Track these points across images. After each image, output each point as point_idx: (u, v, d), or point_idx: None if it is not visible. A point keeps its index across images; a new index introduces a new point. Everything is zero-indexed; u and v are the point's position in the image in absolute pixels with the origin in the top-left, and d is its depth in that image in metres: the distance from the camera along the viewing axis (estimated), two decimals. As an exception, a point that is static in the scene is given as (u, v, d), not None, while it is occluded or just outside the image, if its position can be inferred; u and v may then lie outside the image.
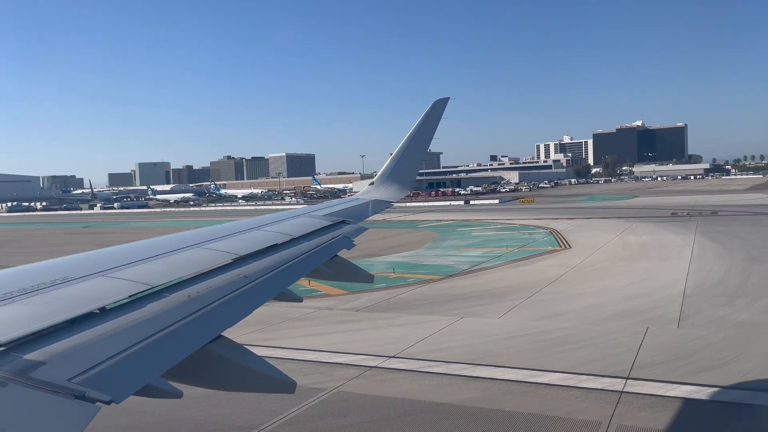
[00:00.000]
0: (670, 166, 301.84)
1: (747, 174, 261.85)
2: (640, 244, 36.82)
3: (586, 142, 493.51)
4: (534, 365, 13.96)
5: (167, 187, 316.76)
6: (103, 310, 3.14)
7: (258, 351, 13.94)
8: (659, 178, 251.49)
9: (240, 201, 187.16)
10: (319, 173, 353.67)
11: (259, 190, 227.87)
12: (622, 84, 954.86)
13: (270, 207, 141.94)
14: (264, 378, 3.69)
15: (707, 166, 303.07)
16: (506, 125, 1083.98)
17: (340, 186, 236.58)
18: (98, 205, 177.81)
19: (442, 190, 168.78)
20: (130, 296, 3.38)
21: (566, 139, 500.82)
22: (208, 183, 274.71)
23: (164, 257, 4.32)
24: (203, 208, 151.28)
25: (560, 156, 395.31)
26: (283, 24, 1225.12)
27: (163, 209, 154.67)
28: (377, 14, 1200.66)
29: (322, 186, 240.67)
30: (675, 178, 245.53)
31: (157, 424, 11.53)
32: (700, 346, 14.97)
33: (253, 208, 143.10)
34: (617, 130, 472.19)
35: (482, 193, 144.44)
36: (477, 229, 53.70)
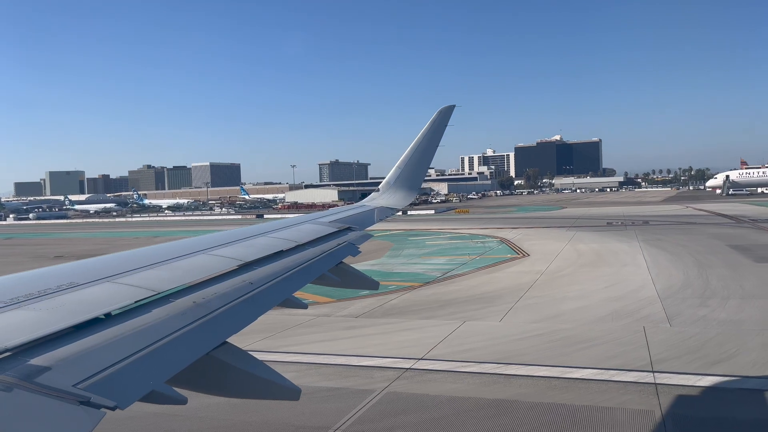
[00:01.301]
0: (588, 179, 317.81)
1: (656, 187, 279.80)
2: (592, 251, 38.86)
3: (508, 155, 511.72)
4: (560, 362, 14.82)
5: (82, 197, 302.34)
6: (108, 315, 3.15)
7: (283, 357, 14.19)
8: (578, 190, 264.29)
9: (166, 212, 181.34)
10: (245, 183, 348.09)
11: (185, 201, 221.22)
12: (541, 100, 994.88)
13: (200, 217, 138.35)
14: (269, 384, 3.70)
15: (621, 179, 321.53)
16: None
17: (269, 196, 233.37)
18: (11, 216, 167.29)
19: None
20: (135, 302, 3.40)
21: (489, 152, 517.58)
22: (131, 192, 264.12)
23: (170, 263, 4.37)
24: (129, 219, 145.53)
25: (484, 168, 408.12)
26: (200, 27, 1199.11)
27: (84, 220, 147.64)
28: (297, 18, 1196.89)
29: (251, 196, 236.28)
30: (593, 190, 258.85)
31: (218, 429, 11.47)
32: (700, 341, 16.30)
33: (181, 218, 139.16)
34: (537, 143, 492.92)
35: (416, 204, 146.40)
36: (429, 239, 54.84)
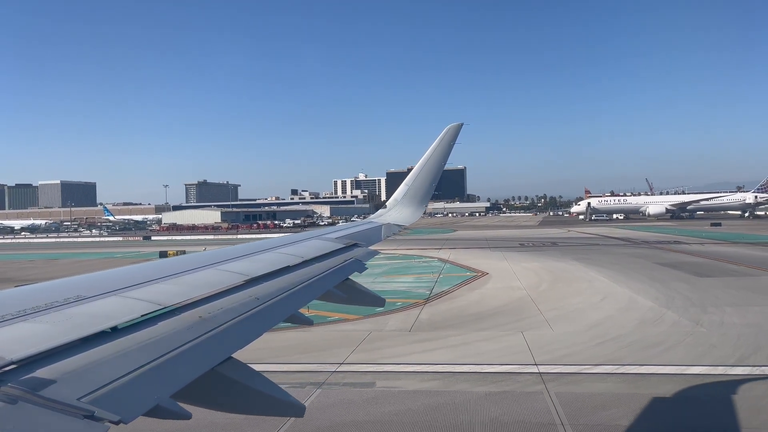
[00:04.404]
0: (458, 204, 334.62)
1: (518, 212, 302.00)
2: (543, 269, 41.53)
3: (379, 180, 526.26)
4: (666, 361, 16.44)
5: None
6: (115, 329, 3.15)
7: (407, 368, 14.55)
8: (449, 214, 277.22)
9: (23, 233, 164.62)
10: (101, 203, 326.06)
11: (42, 222, 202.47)
12: (417, 128, 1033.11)
13: (68, 239, 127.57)
14: (273, 401, 3.69)
15: (487, 204, 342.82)
16: (304, 160, 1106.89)
17: (138, 218, 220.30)
18: None
19: (261, 222, 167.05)
20: (142, 315, 3.41)
21: (362, 177, 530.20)
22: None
23: (177, 277, 4.39)
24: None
25: (357, 192, 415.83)
26: (50, 28, 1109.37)
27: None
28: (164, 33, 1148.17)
29: (117, 217, 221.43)
30: (463, 215, 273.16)
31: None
32: (751, 341, 18.64)
33: (49, 240, 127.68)
34: (408, 169, 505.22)
35: (304, 226, 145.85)
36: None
